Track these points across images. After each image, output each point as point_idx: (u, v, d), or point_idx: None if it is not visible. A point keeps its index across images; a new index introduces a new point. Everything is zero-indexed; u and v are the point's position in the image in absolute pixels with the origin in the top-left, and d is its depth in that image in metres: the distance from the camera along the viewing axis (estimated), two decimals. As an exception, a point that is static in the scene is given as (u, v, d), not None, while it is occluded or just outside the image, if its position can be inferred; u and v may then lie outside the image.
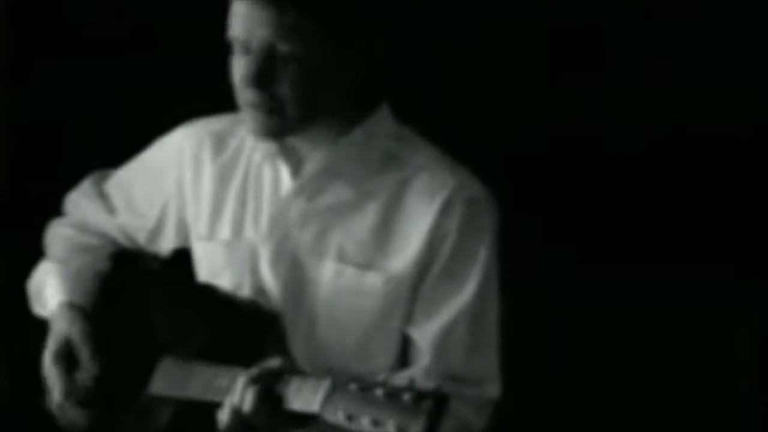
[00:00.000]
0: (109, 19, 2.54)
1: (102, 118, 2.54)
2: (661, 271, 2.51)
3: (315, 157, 1.68)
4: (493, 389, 1.70)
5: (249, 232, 1.73)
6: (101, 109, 2.55)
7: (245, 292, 1.73)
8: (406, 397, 1.33)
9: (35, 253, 1.92)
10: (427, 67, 2.43)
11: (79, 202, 1.91)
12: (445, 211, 1.65)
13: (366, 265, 1.67)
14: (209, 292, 1.75)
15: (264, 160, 1.73)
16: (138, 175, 1.86)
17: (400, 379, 1.52)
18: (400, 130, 1.72)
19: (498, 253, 1.69)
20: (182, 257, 1.81)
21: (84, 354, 1.71)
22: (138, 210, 1.85)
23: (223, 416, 1.49)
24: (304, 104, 1.60)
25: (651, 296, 2.50)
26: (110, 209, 1.88)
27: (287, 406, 1.43)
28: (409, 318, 1.69)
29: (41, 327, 1.80)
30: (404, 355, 1.71)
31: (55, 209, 1.97)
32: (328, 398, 1.39)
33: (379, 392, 1.35)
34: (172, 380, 1.65)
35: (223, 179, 1.76)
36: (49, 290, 1.80)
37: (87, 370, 1.71)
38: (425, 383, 1.36)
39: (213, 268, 1.76)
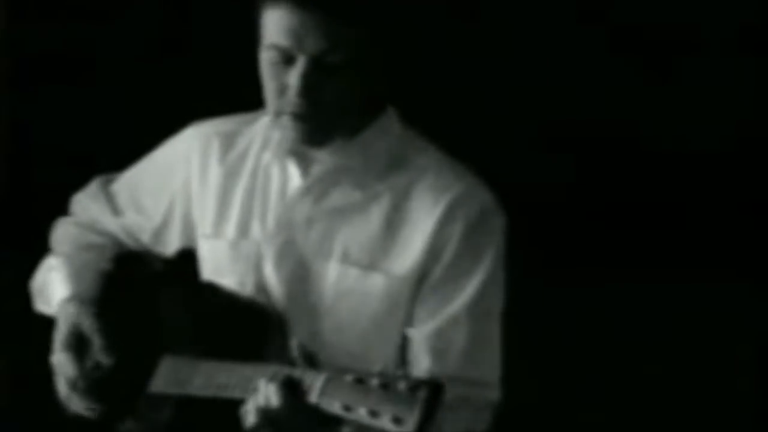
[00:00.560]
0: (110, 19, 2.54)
1: (104, 118, 2.54)
2: (663, 275, 2.51)
3: (324, 159, 1.68)
4: (493, 392, 1.70)
5: (255, 231, 1.73)
6: (103, 109, 2.55)
7: (248, 290, 1.73)
8: (402, 386, 1.33)
9: (35, 254, 1.92)
10: (432, 69, 2.43)
11: (85, 203, 1.91)
12: (449, 214, 1.65)
13: (370, 267, 1.67)
14: (212, 290, 1.75)
15: (273, 160, 1.73)
16: (145, 175, 1.86)
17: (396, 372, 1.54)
18: (407, 133, 1.72)
19: (504, 257, 1.68)
20: (187, 257, 1.81)
21: (96, 342, 1.70)
22: (144, 210, 1.85)
23: (250, 418, 1.48)
24: (344, 114, 1.60)
25: (652, 299, 2.51)
26: (116, 210, 1.88)
27: (311, 399, 1.42)
28: (409, 319, 1.69)
29: (42, 327, 1.80)
30: (404, 356, 1.71)
31: (55, 210, 1.96)
32: (324, 389, 1.39)
33: (374, 382, 1.35)
34: (174, 378, 1.65)
35: (230, 179, 1.76)
36: (54, 285, 1.80)
37: (99, 358, 1.70)
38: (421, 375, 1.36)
39: (217, 266, 1.76)
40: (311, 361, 1.48)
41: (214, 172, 1.77)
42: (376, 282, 1.67)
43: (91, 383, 1.71)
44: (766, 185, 2.51)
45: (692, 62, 2.50)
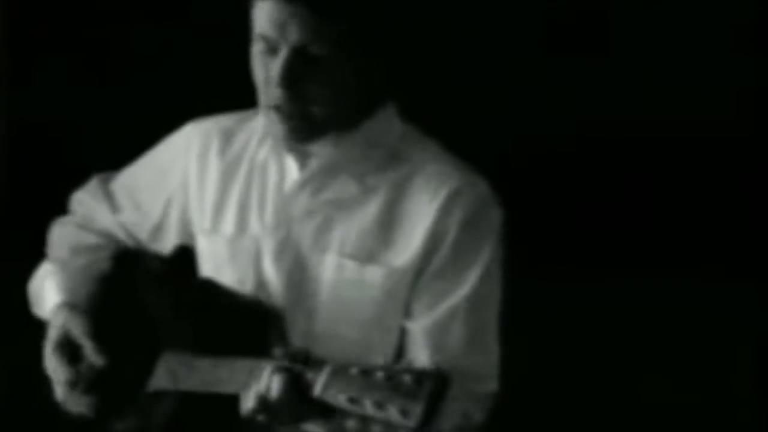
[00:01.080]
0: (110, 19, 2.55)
1: (104, 118, 2.54)
2: (663, 273, 2.51)
3: (322, 152, 1.69)
4: (491, 384, 1.70)
5: (253, 226, 1.74)
6: (103, 109, 2.55)
7: (248, 286, 1.73)
8: (407, 378, 1.33)
9: (35, 254, 1.92)
10: (431, 64, 2.43)
11: (84, 200, 1.91)
12: (447, 207, 1.65)
13: (367, 260, 1.68)
14: (211, 287, 1.75)
15: (270, 155, 1.73)
16: (144, 172, 1.87)
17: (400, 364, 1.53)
18: (405, 127, 1.72)
19: (502, 250, 1.69)
20: (184, 255, 1.81)
21: (86, 345, 1.70)
22: (142, 207, 1.85)
23: (248, 403, 1.48)
24: (332, 107, 1.61)
25: (652, 298, 2.51)
26: (115, 208, 1.88)
27: (314, 394, 1.43)
28: (406, 312, 1.69)
29: (41, 327, 1.81)
30: (402, 348, 1.71)
31: (55, 209, 1.96)
32: (329, 382, 1.40)
33: (379, 375, 1.35)
34: (172, 374, 1.65)
35: (228, 175, 1.77)
36: (47, 292, 1.80)
37: (92, 360, 1.70)
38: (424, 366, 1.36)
39: (216, 262, 1.76)
40: (305, 361, 1.48)
41: (213, 169, 1.77)
42: (375, 275, 1.67)
43: (88, 383, 1.72)
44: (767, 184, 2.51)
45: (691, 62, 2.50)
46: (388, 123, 1.70)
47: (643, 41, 2.51)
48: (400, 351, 1.71)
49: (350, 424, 1.42)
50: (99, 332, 1.71)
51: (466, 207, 1.65)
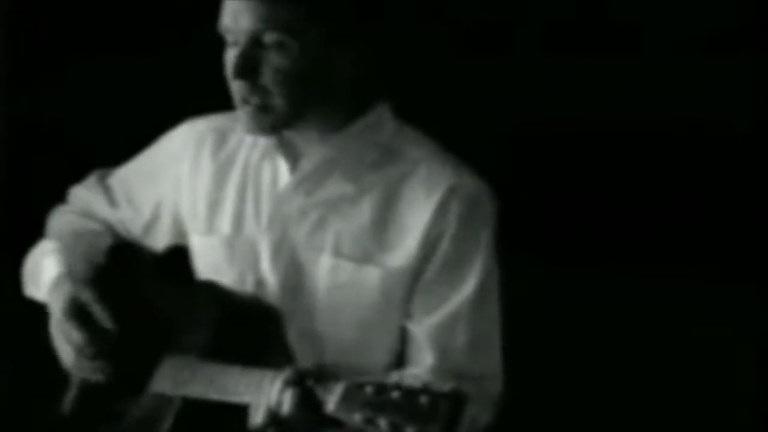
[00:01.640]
0: (110, 19, 2.55)
1: (102, 117, 2.54)
2: (663, 273, 2.51)
3: (313, 152, 1.68)
4: (495, 385, 1.70)
5: (249, 227, 1.73)
6: (102, 108, 2.55)
7: (247, 286, 1.73)
8: (423, 399, 1.32)
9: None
10: (425, 62, 2.43)
11: (83, 195, 1.91)
12: (443, 206, 1.65)
13: (363, 260, 1.67)
14: (210, 288, 1.74)
15: (263, 155, 1.73)
16: (139, 170, 1.87)
17: (413, 378, 1.52)
18: (399, 125, 1.71)
19: (498, 248, 1.69)
20: (180, 254, 1.81)
21: (97, 311, 1.68)
22: (136, 203, 1.85)
23: (258, 417, 1.48)
24: (292, 96, 1.60)
25: (652, 297, 2.51)
26: (112, 203, 1.88)
27: (327, 410, 1.42)
28: (407, 313, 1.68)
29: (41, 328, 1.80)
30: (403, 349, 1.71)
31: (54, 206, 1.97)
32: (343, 399, 1.39)
33: (395, 394, 1.34)
34: (175, 378, 1.64)
35: (222, 175, 1.76)
36: (46, 268, 1.79)
37: (104, 324, 1.68)
38: (441, 384, 1.35)
39: (213, 263, 1.76)
40: (317, 377, 1.47)
41: (207, 169, 1.77)
42: (371, 275, 1.67)
43: (98, 346, 1.69)
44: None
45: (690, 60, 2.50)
46: (380, 121, 1.70)
47: (642, 39, 2.51)
48: (399, 351, 1.71)
49: None
50: (108, 299, 1.70)
51: (462, 206, 1.65)
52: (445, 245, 1.65)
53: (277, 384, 1.48)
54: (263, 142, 1.72)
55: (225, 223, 1.75)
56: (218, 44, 1.63)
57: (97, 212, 1.89)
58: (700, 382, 2.52)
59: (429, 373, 1.65)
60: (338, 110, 1.67)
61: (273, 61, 1.58)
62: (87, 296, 1.69)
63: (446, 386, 1.34)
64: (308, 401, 1.44)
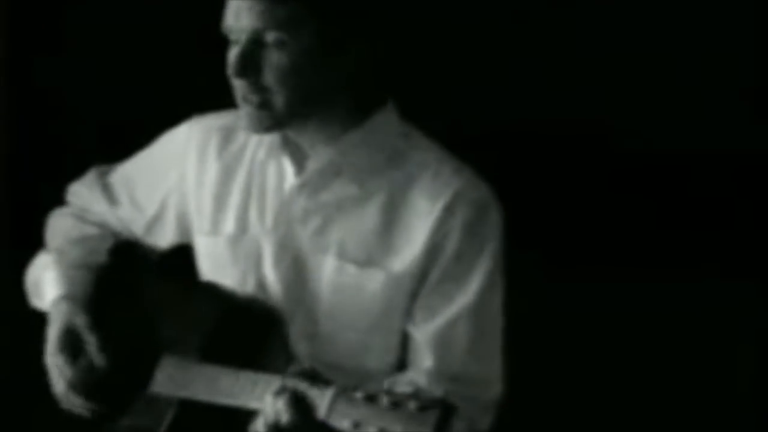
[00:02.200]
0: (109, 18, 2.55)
1: (104, 116, 2.54)
2: (663, 274, 2.51)
3: (319, 154, 1.68)
4: (494, 390, 1.70)
5: (253, 227, 1.73)
6: (103, 107, 2.55)
7: (249, 287, 1.72)
8: (412, 406, 1.32)
9: (34, 253, 1.92)
10: (432, 64, 2.43)
11: (82, 192, 1.91)
12: (448, 210, 1.64)
13: (367, 263, 1.67)
14: (211, 289, 1.74)
15: (268, 155, 1.73)
16: (142, 167, 1.86)
17: (405, 384, 1.53)
18: (406, 128, 1.71)
19: (503, 253, 1.68)
20: (183, 253, 1.81)
21: (90, 341, 1.70)
22: (139, 202, 1.85)
23: (258, 426, 1.48)
24: (292, 95, 1.60)
25: (652, 298, 2.51)
26: (111, 201, 1.87)
27: (318, 416, 1.41)
28: (408, 317, 1.68)
29: (41, 326, 1.80)
30: (405, 353, 1.70)
31: (54, 206, 1.96)
32: (333, 405, 1.39)
33: (384, 401, 1.34)
34: (173, 380, 1.64)
35: (227, 174, 1.76)
36: (47, 283, 1.80)
37: (93, 359, 1.70)
38: (431, 391, 1.35)
39: (217, 262, 1.76)
40: (312, 379, 1.47)
41: (212, 168, 1.77)
42: (374, 278, 1.66)
43: (87, 384, 1.71)
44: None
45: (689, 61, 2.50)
46: (387, 124, 1.69)
47: (639, 40, 2.51)
48: (401, 354, 1.71)
49: None
50: (102, 327, 1.71)
51: (467, 211, 1.64)
52: (449, 250, 1.65)
53: (269, 394, 1.47)
54: (268, 141, 1.72)
55: (229, 223, 1.75)
56: (223, 42, 1.63)
57: (96, 211, 1.89)
58: (700, 382, 2.52)
59: (427, 377, 1.65)
60: (343, 111, 1.66)
61: (273, 60, 1.58)
62: (81, 321, 1.71)
63: (436, 393, 1.35)
64: (301, 406, 1.43)
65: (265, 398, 1.48)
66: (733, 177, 2.52)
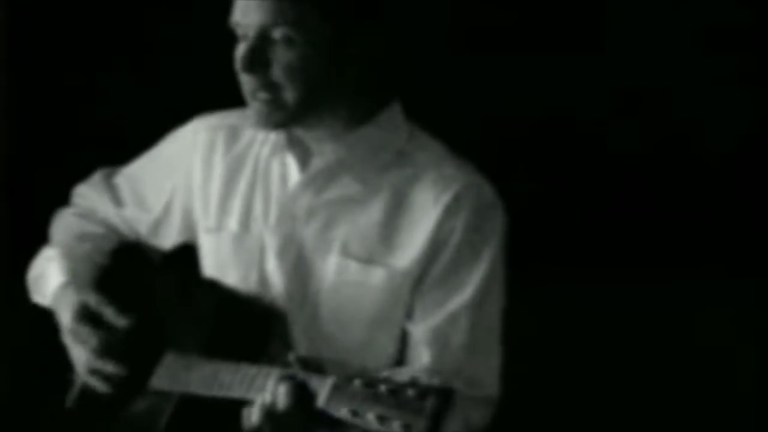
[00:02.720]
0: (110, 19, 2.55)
1: (105, 118, 2.54)
2: (663, 274, 2.51)
3: (323, 151, 1.68)
4: (491, 388, 1.70)
5: (257, 224, 1.73)
6: (104, 107, 2.55)
7: (251, 284, 1.73)
8: (411, 393, 1.32)
9: (34, 253, 1.92)
10: (437, 63, 2.44)
11: (87, 194, 1.91)
12: (451, 209, 1.65)
13: (370, 260, 1.67)
14: (213, 286, 1.74)
15: (273, 153, 1.73)
16: (148, 167, 1.87)
17: (403, 374, 1.52)
18: (410, 127, 1.71)
19: (505, 253, 1.68)
20: (187, 252, 1.81)
21: (107, 312, 1.69)
22: (145, 201, 1.85)
23: (254, 416, 1.47)
24: (299, 91, 1.60)
25: (652, 298, 2.51)
26: (118, 201, 1.88)
27: (318, 404, 1.41)
28: (407, 313, 1.68)
29: (41, 327, 1.80)
30: (404, 350, 1.71)
31: (56, 206, 1.96)
32: (332, 394, 1.39)
33: (383, 388, 1.34)
34: (174, 376, 1.65)
35: (232, 172, 1.77)
36: (50, 276, 1.80)
37: (114, 322, 1.68)
38: (429, 379, 1.36)
39: (220, 260, 1.76)
40: (314, 368, 1.47)
41: (218, 167, 1.77)
42: (377, 275, 1.67)
43: (113, 346, 1.69)
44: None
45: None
46: (392, 123, 1.70)
47: (637, 40, 2.51)
48: (402, 352, 1.70)
49: None
50: (115, 299, 1.71)
51: (469, 209, 1.65)
52: (450, 248, 1.65)
53: (271, 381, 1.47)
54: (273, 139, 1.72)
55: (233, 220, 1.75)
56: (227, 40, 1.63)
57: (101, 212, 1.89)
58: (700, 382, 2.52)
59: (425, 373, 1.64)
60: (348, 109, 1.67)
61: (281, 56, 1.58)
62: (94, 300, 1.71)
63: (434, 381, 1.34)
64: (302, 394, 1.43)
65: (268, 380, 1.47)
66: (733, 177, 2.52)
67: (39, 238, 1.93)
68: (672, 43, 2.50)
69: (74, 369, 1.75)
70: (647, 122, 2.54)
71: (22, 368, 2.50)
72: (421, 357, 1.67)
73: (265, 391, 1.47)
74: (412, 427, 1.30)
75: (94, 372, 1.71)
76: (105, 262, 1.81)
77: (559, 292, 2.49)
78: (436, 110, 2.12)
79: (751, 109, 2.51)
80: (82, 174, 1.95)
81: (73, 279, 1.76)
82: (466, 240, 1.65)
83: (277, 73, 1.59)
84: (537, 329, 2.37)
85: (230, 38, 1.62)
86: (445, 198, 1.65)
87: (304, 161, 1.70)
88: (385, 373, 1.53)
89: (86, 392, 1.75)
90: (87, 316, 1.70)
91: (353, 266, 1.67)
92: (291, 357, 1.48)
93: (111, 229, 1.88)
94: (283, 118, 1.62)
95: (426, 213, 1.65)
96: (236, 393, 1.53)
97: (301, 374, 1.45)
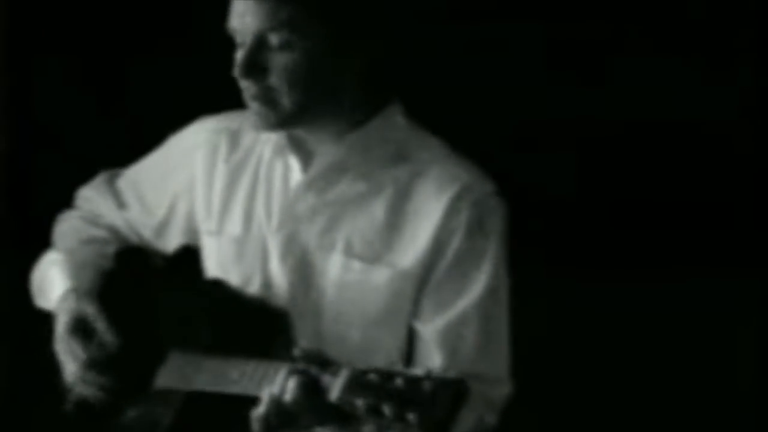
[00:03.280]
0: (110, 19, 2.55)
1: (105, 119, 2.54)
2: (663, 274, 2.51)
3: (325, 152, 1.69)
4: (504, 387, 1.70)
5: (260, 225, 1.73)
6: (104, 107, 2.55)
7: (255, 286, 1.73)
8: (427, 386, 1.32)
9: (36, 254, 1.92)
10: (438, 63, 2.43)
11: (90, 196, 1.91)
12: (453, 207, 1.65)
13: (373, 260, 1.67)
14: (217, 287, 1.74)
15: (275, 154, 1.73)
16: (151, 170, 1.87)
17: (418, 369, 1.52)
18: (411, 126, 1.72)
19: (507, 250, 1.68)
20: (189, 254, 1.81)
21: (100, 326, 1.70)
22: (148, 205, 1.85)
23: (261, 406, 1.46)
24: (298, 95, 1.60)
25: (652, 298, 2.51)
26: (120, 204, 1.88)
27: (330, 398, 1.41)
28: (415, 313, 1.68)
29: (41, 326, 1.80)
30: (411, 350, 1.70)
31: (56, 208, 1.96)
32: (347, 386, 1.38)
33: (399, 381, 1.34)
34: (180, 373, 1.65)
35: (234, 175, 1.77)
36: (54, 281, 1.80)
37: (104, 339, 1.69)
38: (444, 372, 1.35)
39: (223, 262, 1.76)
40: (320, 362, 1.46)
41: (221, 170, 1.77)
42: (380, 275, 1.67)
43: (100, 362, 1.70)
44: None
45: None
46: (392, 122, 1.70)
47: (642, 42, 2.52)
48: (407, 352, 1.70)
49: (367, 429, 1.42)
50: (111, 315, 1.71)
51: (472, 207, 1.65)
52: (454, 247, 1.65)
53: (281, 374, 1.47)
54: (275, 140, 1.72)
55: (236, 222, 1.76)
56: (227, 45, 1.64)
57: (104, 214, 1.89)
58: (700, 382, 2.52)
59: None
60: (349, 109, 1.67)
61: (279, 61, 1.58)
62: (90, 311, 1.71)
63: (449, 374, 1.34)
64: (312, 388, 1.43)
65: (275, 379, 1.47)
66: (733, 177, 2.52)
67: (39, 238, 1.93)
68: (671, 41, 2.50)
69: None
70: (647, 122, 2.54)
71: (21, 369, 2.51)
72: (433, 359, 1.67)
73: (275, 382, 1.47)
74: (427, 420, 1.30)
75: (81, 381, 1.72)
76: (109, 265, 1.82)
77: (559, 293, 2.49)
78: (442, 108, 2.13)
79: (753, 108, 2.51)
80: (82, 174, 1.95)
81: (77, 285, 1.76)
82: (471, 238, 1.65)
83: (275, 78, 1.59)
84: (537, 329, 2.37)
85: (232, 39, 1.63)
86: (448, 196, 1.65)
87: (306, 162, 1.70)
88: (399, 367, 1.54)
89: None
90: (80, 328, 1.72)
91: (356, 266, 1.67)
92: (296, 352, 1.48)
93: (115, 232, 1.88)
94: (282, 120, 1.63)
95: (429, 212, 1.65)
96: (246, 389, 1.52)
97: (314, 369, 1.44)
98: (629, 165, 2.55)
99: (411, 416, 1.31)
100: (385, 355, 1.69)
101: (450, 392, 1.31)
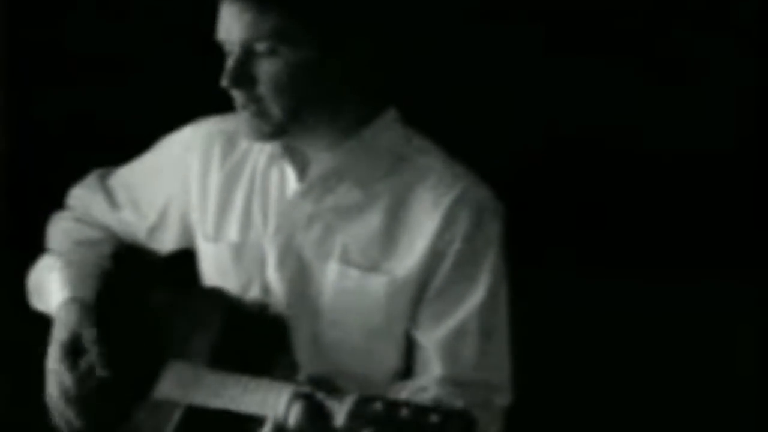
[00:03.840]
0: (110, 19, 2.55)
1: (106, 119, 2.55)
2: (663, 274, 2.51)
3: (321, 159, 1.68)
4: (504, 396, 1.70)
5: (256, 233, 1.73)
6: (104, 108, 2.56)
7: (252, 292, 1.73)
8: (434, 418, 1.32)
9: (34, 256, 1.92)
10: (433, 69, 2.43)
11: (83, 196, 1.91)
12: (451, 215, 1.64)
13: (370, 268, 1.67)
14: (216, 294, 1.74)
15: (270, 162, 1.73)
16: (144, 172, 1.86)
17: (421, 391, 1.53)
18: (408, 133, 1.71)
19: (505, 257, 1.68)
20: (186, 258, 1.81)
21: (93, 352, 1.70)
22: (141, 207, 1.85)
23: (264, 430, 1.47)
24: (286, 103, 1.60)
25: (653, 299, 2.51)
26: (113, 204, 1.87)
27: (336, 424, 1.40)
28: (413, 321, 1.68)
29: (41, 327, 1.80)
30: (409, 358, 1.70)
31: (55, 207, 1.96)
32: (352, 413, 1.38)
33: (405, 411, 1.34)
34: (181, 385, 1.64)
35: (230, 180, 1.76)
36: (52, 286, 1.80)
37: (96, 366, 1.70)
38: (451, 402, 1.34)
39: (220, 268, 1.76)
40: (326, 388, 1.46)
41: (216, 174, 1.77)
42: (377, 283, 1.66)
43: (83, 395, 1.71)
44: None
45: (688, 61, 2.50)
46: (389, 129, 1.70)
47: (641, 45, 2.52)
48: (404, 358, 1.70)
49: None
50: (108, 340, 1.71)
51: (470, 215, 1.65)
52: (452, 254, 1.65)
53: (284, 396, 1.47)
54: (270, 147, 1.72)
55: (232, 229, 1.75)
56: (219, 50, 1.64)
57: (97, 215, 1.89)
58: (700, 382, 2.52)
59: (438, 384, 1.64)
60: (345, 116, 1.67)
61: (266, 69, 1.59)
62: (88, 334, 1.71)
63: (456, 405, 1.34)
64: (317, 413, 1.43)
65: (279, 401, 1.47)
66: (733, 177, 2.52)
67: (39, 238, 1.93)
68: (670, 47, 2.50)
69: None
70: (646, 122, 2.54)
71: (21, 369, 2.50)
72: (433, 368, 1.66)
73: (278, 405, 1.47)
74: None
75: (55, 410, 1.73)
76: (106, 267, 1.82)
77: (559, 294, 2.49)
78: (440, 114, 2.13)
79: (751, 110, 2.51)
80: (81, 174, 1.95)
81: (76, 293, 1.76)
82: (468, 246, 1.65)
83: (263, 86, 1.59)
84: (536, 329, 2.37)
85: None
86: (444, 203, 1.65)
87: (301, 170, 1.70)
88: (404, 393, 1.53)
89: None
90: (71, 351, 1.72)
91: (353, 274, 1.67)
92: (302, 376, 1.48)
93: (108, 232, 1.88)
94: (272, 130, 1.63)
95: (426, 219, 1.65)
96: (244, 407, 1.53)
97: (320, 395, 1.44)
98: (629, 165, 2.55)
99: None
100: (383, 362, 1.69)
101: (457, 425, 1.31)
